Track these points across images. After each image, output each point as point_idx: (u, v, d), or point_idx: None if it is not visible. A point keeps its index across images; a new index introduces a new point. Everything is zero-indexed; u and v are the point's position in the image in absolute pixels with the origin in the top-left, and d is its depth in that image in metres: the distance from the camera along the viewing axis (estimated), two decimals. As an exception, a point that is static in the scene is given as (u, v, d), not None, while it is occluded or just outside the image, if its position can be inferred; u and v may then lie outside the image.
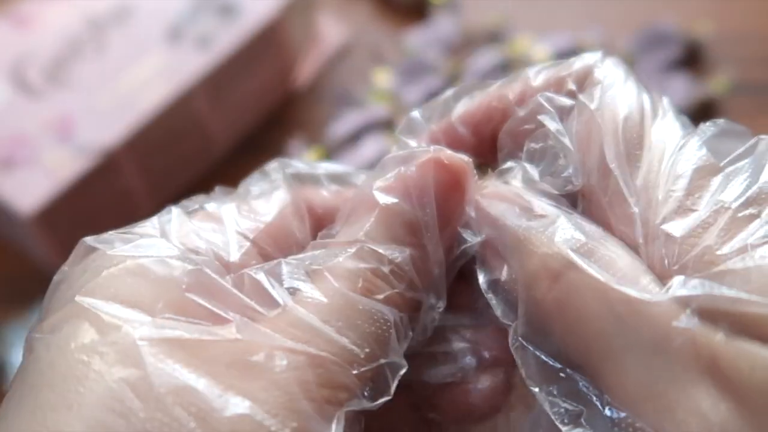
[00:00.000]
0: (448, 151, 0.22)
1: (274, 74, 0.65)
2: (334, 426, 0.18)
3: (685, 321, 0.18)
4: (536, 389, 0.20)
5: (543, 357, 0.20)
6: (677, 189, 0.20)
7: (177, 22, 0.60)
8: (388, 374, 0.20)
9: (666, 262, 0.19)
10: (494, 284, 0.22)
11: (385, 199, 0.21)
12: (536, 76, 0.23)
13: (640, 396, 0.18)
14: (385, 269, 0.20)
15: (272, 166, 0.25)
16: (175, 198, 0.23)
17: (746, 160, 0.20)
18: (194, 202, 0.23)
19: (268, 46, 0.62)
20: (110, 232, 0.21)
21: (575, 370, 0.20)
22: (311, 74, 0.68)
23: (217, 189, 0.24)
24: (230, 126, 0.63)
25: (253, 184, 0.24)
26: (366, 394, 0.19)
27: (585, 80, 0.23)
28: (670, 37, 0.66)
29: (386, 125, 0.63)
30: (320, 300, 0.19)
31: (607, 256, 0.19)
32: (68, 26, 0.60)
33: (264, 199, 0.23)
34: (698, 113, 0.64)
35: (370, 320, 0.20)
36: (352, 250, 0.20)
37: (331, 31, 0.70)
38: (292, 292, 0.20)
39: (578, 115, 0.22)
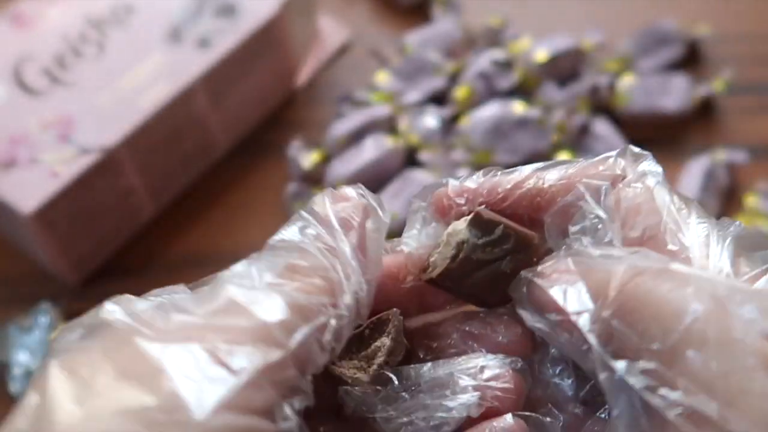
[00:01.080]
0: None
1: (274, 74, 0.65)
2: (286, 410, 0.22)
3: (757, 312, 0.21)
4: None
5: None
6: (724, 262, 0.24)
7: (177, 22, 0.60)
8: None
9: None
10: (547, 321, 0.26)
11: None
12: (580, 167, 0.28)
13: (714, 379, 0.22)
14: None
15: None
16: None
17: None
18: None
19: (268, 46, 0.62)
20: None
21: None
22: (311, 74, 0.68)
23: None
24: (230, 126, 0.63)
25: None
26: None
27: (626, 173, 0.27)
28: (670, 37, 0.67)
29: (387, 125, 0.63)
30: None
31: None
32: (68, 26, 0.60)
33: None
34: (698, 113, 0.64)
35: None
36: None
37: (331, 31, 0.70)
38: None
39: (625, 190, 0.26)
